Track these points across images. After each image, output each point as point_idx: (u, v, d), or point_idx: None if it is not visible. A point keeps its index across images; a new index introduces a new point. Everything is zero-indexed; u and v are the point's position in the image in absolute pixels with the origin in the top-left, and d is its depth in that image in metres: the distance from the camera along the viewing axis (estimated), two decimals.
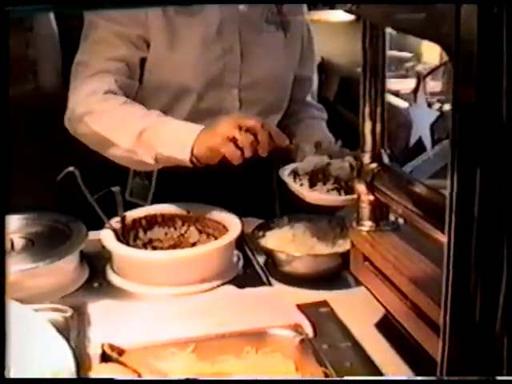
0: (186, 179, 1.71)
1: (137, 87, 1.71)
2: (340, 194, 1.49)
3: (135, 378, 1.07)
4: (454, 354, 0.80)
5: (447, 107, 1.47)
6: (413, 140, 1.11)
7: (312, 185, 1.51)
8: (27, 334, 0.98)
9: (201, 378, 1.10)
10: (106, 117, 1.59)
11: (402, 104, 2.67)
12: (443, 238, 0.84)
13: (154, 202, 1.73)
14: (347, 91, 3.79)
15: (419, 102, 1.13)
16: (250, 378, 1.05)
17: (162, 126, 1.55)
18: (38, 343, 0.97)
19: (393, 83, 3.40)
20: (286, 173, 1.57)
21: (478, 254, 0.76)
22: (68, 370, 0.92)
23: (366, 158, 1.23)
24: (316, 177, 1.52)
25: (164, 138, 1.52)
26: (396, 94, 3.17)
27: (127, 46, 1.66)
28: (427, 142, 1.09)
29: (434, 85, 3.12)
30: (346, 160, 1.53)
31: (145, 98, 1.71)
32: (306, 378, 1.12)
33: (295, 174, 1.55)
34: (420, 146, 1.11)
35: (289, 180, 1.55)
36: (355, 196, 1.35)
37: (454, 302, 0.79)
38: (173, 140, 1.50)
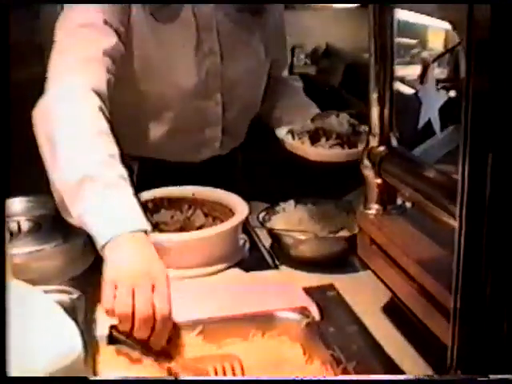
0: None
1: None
2: (343, 149, 1.48)
3: (135, 378, 1.06)
4: (465, 337, 0.80)
5: (453, 94, 1.46)
6: (421, 122, 1.10)
7: (314, 141, 1.50)
8: (35, 315, 0.98)
9: (201, 378, 1.09)
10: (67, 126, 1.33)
11: (407, 90, 2.66)
12: (453, 222, 0.83)
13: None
14: (352, 77, 3.77)
15: (428, 85, 1.12)
16: (251, 378, 1.05)
17: (107, 189, 1.25)
18: (46, 325, 0.97)
19: (398, 70, 3.39)
20: (283, 132, 1.55)
21: (490, 238, 0.76)
22: (76, 352, 0.92)
23: (374, 141, 1.23)
24: (317, 133, 1.50)
25: (95, 209, 1.24)
26: (402, 80, 3.16)
27: (115, 37, 1.48)
28: (436, 124, 1.08)
29: (439, 71, 3.11)
30: (343, 117, 1.53)
31: (125, 108, 1.58)
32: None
33: (292, 133, 1.53)
34: (429, 129, 1.10)
35: (287, 139, 1.52)
36: (359, 149, 1.36)
37: (465, 286, 0.79)
38: (100, 218, 1.23)
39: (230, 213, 1.51)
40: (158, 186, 1.61)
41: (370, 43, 1.20)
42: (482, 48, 0.71)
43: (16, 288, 1.04)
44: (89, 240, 1.26)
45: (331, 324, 1.23)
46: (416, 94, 1.20)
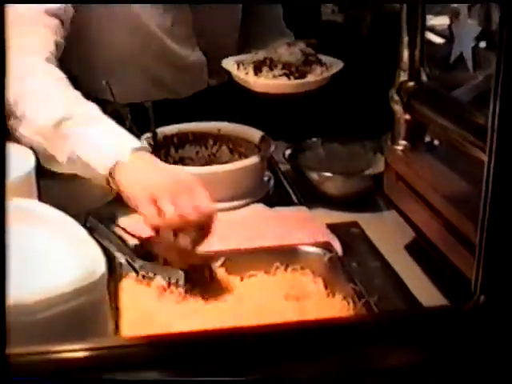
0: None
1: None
2: (289, 79, 1.41)
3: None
4: (489, 267, 0.79)
5: (483, 44, 1.44)
6: (453, 57, 1.09)
7: (257, 72, 1.43)
8: (58, 234, 0.98)
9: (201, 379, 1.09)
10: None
11: (437, 39, 2.63)
12: (483, 157, 0.82)
13: None
14: (380, 27, 3.72)
15: (461, 18, 1.10)
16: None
17: (90, 121, 1.23)
18: (69, 244, 0.97)
19: (428, 20, 3.34)
20: (230, 62, 1.49)
21: None
22: (100, 272, 0.92)
23: (404, 76, 1.21)
24: (262, 64, 1.43)
25: (86, 139, 1.21)
26: (431, 29, 3.12)
27: None
28: (469, 59, 1.07)
29: (470, 23, 3.06)
30: (297, 45, 1.47)
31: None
32: None
33: (239, 63, 1.47)
34: (461, 63, 1.08)
35: (233, 69, 1.46)
36: (308, 80, 1.34)
37: (492, 219, 0.78)
38: (96, 146, 1.20)
39: (256, 149, 1.50)
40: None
41: None
42: None
43: (35, 207, 1.04)
44: None
45: (354, 260, 1.23)
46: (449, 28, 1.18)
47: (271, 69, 1.41)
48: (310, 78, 1.41)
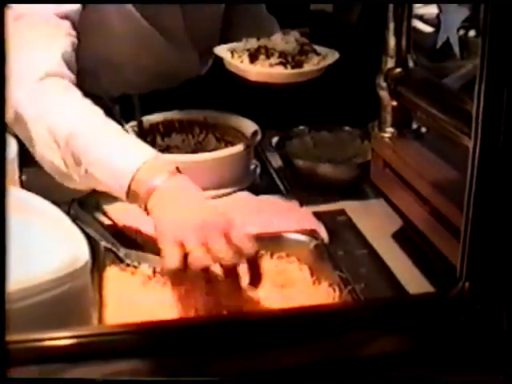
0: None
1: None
2: (286, 69, 1.37)
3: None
4: (474, 256, 0.79)
5: (472, 33, 1.44)
6: (440, 40, 1.08)
7: (253, 60, 1.39)
8: (41, 221, 0.98)
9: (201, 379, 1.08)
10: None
11: (425, 28, 2.63)
12: (468, 142, 0.82)
13: None
14: (369, 15, 3.71)
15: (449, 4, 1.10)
16: None
17: (99, 135, 1.16)
18: (52, 231, 0.96)
19: (417, 8, 3.34)
20: (223, 50, 1.44)
21: (504, 158, 0.74)
22: (83, 259, 0.91)
23: (391, 63, 1.20)
24: (258, 52, 1.40)
25: (97, 157, 1.13)
26: (421, 18, 3.12)
27: None
28: (455, 44, 1.06)
29: (460, 11, 3.06)
30: (292, 34, 1.44)
31: None
32: None
33: (232, 51, 1.43)
34: (450, 51, 1.08)
35: (226, 57, 1.42)
36: (305, 69, 1.32)
37: (477, 206, 0.77)
38: (108, 163, 1.12)
39: (243, 137, 1.50)
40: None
41: None
42: None
43: (18, 195, 1.03)
44: None
45: (340, 247, 1.23)
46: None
47: (268, 57, 1.38)
48: (307, 67, 1.39)
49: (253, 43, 1.43)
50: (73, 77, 1.28)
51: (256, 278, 1.05)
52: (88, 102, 1.22)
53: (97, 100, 1.42)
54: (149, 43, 1.59)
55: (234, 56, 1.41)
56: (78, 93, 1.23)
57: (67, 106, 1.20)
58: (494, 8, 0.70)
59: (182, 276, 1.05)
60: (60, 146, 1.15)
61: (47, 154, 1.18)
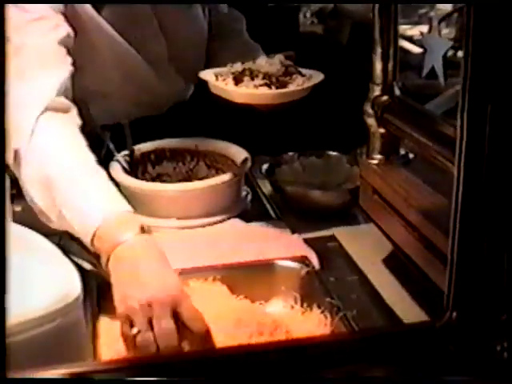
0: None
1: None
2: (271, 89, 1.37)
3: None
4: (461, 282, 0.79)
5: (460, 54, 1.44)
6: (425, 70, 1.10)
7: (238, 82, 1.39)
8: (33, 255, 0.98)
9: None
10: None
11: (415, 49, 2.65)
12: (454, 170, 0.83)
13: None
14: (360, 36, 3.74)
15: (432, 33, 1.11)
16: None
17: (77, 180, 1.15)
18: (44, 265, 0.97)
19: (406, 29, 3.37)
20: (208, 73, 1.45)
21: (488, 186, 0.75)
22: (75, 294, 0.92)
23: (377, 91, 1.22)
24: (242, 74, 1.40)
25: (71, 198, 1.13)
26: (409, 39, 3.14)
27: (65, 24, 1.38)
28: (440, 72, 1.07)
29: (447, 31, 3.08)
30: (276, 57, 1.45)
31: None
32: None
33: (217, 74, 1.43)
34: (433, 77, 1.09)
35: (211, 79, 1.42)
36: (290, 89, 1.32)
37: (462, 234, 0.78)
38: (79, 209, 1.12)
39: (233, 164, 1.51)
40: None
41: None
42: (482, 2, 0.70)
43: (11, 228, 1.03)
44: None
45: (331, 274, 1.24)
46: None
47: (252, 79, 1.39)
48: (292, 87, 1.39)
49: (237, 67, 1.44)
50: (69, 105, 1.30)
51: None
52: (77, 142, 1.22)
53: (87, 129, 1.44)
54: (134, 71, 1.61)
55: (218, 79, 1.41)
56: (69, 132, 1.24)
57: (54, 147, 1.20)
58: (476, 32, 0.71)
59: None
60: (41, 184, 1.16)
61: (31, 191, 1.18)
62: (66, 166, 1.17)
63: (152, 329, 0.99)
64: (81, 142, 1.23)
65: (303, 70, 1.46)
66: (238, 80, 1.39)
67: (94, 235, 1.08)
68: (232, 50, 1.69)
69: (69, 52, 1.37)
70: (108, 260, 1.06)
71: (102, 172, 1.19)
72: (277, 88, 1.37)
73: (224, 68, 1.46)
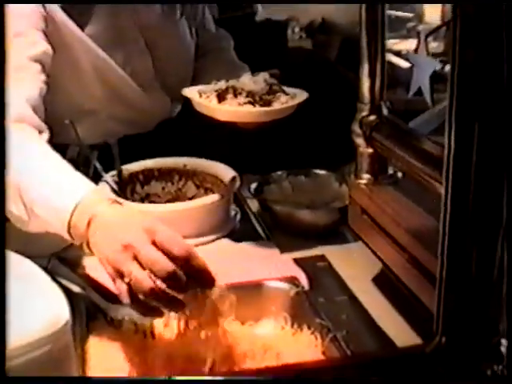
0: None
1: None
2: (255, 107, 1.37)
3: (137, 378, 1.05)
4: (450, 306, 0.79)
5: (449, 67, 1.45)
6: (412, 90, 1.10)
7: (221, 99, 1.39)
8: (20, 280, 0.97)
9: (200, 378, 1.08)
10: None
11: (403, 64, 2.65)
12: (442, 189, 0.83)
13: None
14: (349, 52, 3.75)
15: (420, 52, 1.11)
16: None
17: (42, 176, 1.16)
18: (31, 291, 0.96)
19: (394, 43, 3.38)
20: (192, 91, 1.45)
21: (476, 207, 0.75)
22: (63, 320, 0.91)
23: (365, 110, 1.22)
24: (226, 92, 1.40)
25: (40, 194, 1.13)
26: (397, 53, 3.15)
27: (44, 41, 1.40)
28: (427, 92, 1.08)
29: (435, 45, 3.09)
30: (261, 75, 1.45)
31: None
32: None
33: (201, 92, 1.44)
34: (419, 96, 1.09)
35: (195, 97, 1.42)
36: (274, 108, 1.32)
37: (451, 254, 0.78)
38: (48, 200, 1.12)
39: (222, 184, 1.51)
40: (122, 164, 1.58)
41: (361, 15, 1.19)
42: (468, 17, 0.70)
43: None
44: None
45: (321, 294, 1.23)
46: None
47: (235, 96, 1.39)
48: (276, 105, 1.40)
49: (221, 84, 1.44)
50: (37, 121, 1.30)
51: (205, 279, 1.03)
52: (43, 150, 1.22)
53: (74, 149, 1.44)
54: (120, 89, 1.61)
55: (202, 96, 1.41)
56: (35, 145, 1.24)
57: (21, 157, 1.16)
58: (462, 49, 0.71)
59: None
60: (9, 188, 1.12)
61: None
62: (27, 164, 1.16)
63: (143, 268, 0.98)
64: (37, 141, 1.24)
65: (287, 89, 1.47)
66: (221, 97, 1.39)
67: (68, 225, 1.07)
68: (219, 69, 1.70)
69: (44, 69, 1.38)
70: (88, 242, 1.06)
71: (60, 161, 1.19)
72: (260, 106, 1.37)
73: (208, 85, 1.46)
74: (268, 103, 1.39)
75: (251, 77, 1.46)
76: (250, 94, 1.38)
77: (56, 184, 1.13)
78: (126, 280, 0.98)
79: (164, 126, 1.74)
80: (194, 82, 1.69)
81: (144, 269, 0.97)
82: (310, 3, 3.57)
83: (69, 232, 1.08)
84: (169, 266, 0.97)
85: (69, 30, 1.48)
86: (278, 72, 1.56)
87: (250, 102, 1.37)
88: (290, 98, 1.43)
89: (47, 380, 0.76)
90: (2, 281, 0.62)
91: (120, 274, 0.99)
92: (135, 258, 0.98)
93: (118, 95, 1.61)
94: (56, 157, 1.20)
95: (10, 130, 1.20)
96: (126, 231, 1.02)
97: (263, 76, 1.45)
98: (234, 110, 1.38)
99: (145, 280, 0.97)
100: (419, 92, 1.42)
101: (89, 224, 1.06)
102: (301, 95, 1.46)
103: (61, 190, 1.11)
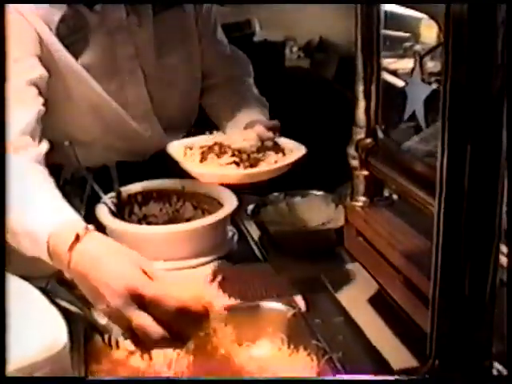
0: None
1: None
2: (239, 168, 1.29)
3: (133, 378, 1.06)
4: (443, 329, 0.80)
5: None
6: (407, 114, 1.11)
7: (203, 159, 1.31)
8: (18, 304, 0.98)
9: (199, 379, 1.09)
10: None
11: (399, 83, 2.67)
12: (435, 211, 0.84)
13: None
14: (346, 70, 3.76)
15: (414, 77, 1.13)
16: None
17: (28, 198, 1.16)
18: (29, 314, 0.97)
19: (390, 63, 3.40)
20: (178, 148, 1.39)
21: (468, 227, 0.76)
22: (61, 343, 0.92)
23: (361, 134, 1.23)
24: (209, 150, 1.32)
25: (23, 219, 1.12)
26: (394, 73, 3.16)
27: (40, 67, 1.43)
28: (420, 116, 1.09)
29: (432, 65, 3.11)
30: (255, 129, 1.37)
31: None
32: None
33: (187, 149, 1.37)
34: (414, 121, 1.11)
35: (179, 156, 1.35)
36: (259, 170, 1.26)
37: (444, 275, 0.79)
38: (28, 227, 1.11)
39: (219, 205, 1.51)
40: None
41: (357, 35, 1.20)
42: (460, 40, 0.71)
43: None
44: None
45: (317, 315, 1.24)
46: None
47: (219, 156, 1.30)
48: (262, 167, 1.30)
49: (210, 140, 1.37)
50: (33, 146, 1.33)
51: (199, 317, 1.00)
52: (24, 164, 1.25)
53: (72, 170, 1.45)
54: (113, 121, 1.61)
55: (187, 154, 1.35)
56: (30, 175, 1.24)
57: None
58: (454, 72, 0.72)
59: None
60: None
61: None
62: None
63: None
64: (29, 165, 1.26)
65: (285, 142, 1.40)
66: (203, 157, 1.31)
67: (48, 251, 1.07)
68: (229, 108, 1.67)
69: (41, 93, 1.40)
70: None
71: (48, 185, 1.21)
72: (245, 167, 1.29)
73: (198, 138, 1.42)
74: (255, 163, 1.30)
75: (243, 132, 1.42)
76: (235, 152, 1.31)
77: (34, 211, 1.13)
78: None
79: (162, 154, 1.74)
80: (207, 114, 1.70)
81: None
82: (310, 3, 3.59)
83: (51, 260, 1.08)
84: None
85: (61, 59, 1.48)
86: (279, 124, 1.50)
87: (234, 162, 1.29)
88: (282, 157, 1.34)
89: (46, 381, 0.76)
90: (2, 280, 0.63)
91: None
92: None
93: (112, 128, 1.61)
94: (47, 187, 1.21)
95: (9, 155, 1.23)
96: (118, 278, 0.99)
97: (257, 130, 1.37)
98: (214, 174, 1.31)
99: (155, 330, 0.95)
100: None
101: (69, 259, 1.04)
102: (296, 152, 1.37)
103: (37, 218, 1.11)
